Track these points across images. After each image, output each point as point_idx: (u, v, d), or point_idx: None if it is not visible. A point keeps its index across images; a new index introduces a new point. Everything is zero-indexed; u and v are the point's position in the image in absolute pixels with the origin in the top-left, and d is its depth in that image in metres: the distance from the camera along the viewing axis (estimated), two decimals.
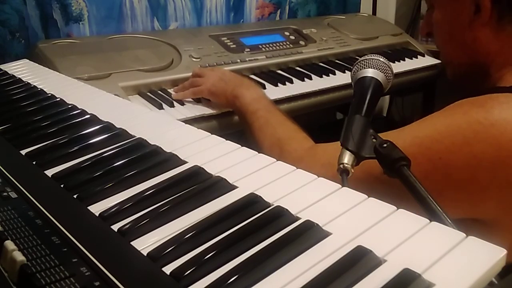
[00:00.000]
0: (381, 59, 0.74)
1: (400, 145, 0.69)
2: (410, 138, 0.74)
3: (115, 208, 0.45)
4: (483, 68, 0.84)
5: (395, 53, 1.60)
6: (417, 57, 1.59)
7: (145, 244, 0.40)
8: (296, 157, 0.83)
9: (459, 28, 0.84)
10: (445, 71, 0.95)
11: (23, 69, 0.92)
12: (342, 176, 0.60)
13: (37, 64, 0.97)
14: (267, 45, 1.42)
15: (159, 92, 1.14)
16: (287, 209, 0.43)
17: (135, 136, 0.60)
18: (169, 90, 1.15)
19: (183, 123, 0.64)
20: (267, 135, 0.91)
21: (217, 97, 1.06)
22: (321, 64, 1.44)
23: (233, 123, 1.09)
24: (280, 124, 0.92)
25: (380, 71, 0.73)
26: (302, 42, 1.49)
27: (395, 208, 0.42)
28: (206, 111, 1.08)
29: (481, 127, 0.70)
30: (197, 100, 1.11)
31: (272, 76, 1.29)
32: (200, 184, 0.48)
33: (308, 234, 0.39)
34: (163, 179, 0.50)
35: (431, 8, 0.90)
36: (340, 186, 0.46)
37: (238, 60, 1.31)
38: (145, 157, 0.54)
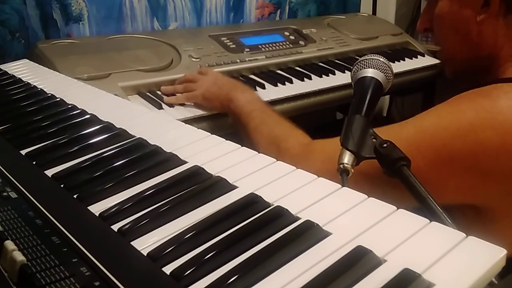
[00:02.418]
0: (381, 59, 0.74)
1: (404, 135, 0.72)
2: (414, 127, 0.75)
3: (115, 208, 0.45)
4: (485, 63, 0.85)
5: (395, 53, 1.60)
6: (417, 57, 1.59)
7: (145, 244, 0.40)
8: (295, 155, 0.83)
9: (464, 22, 0.84)
10: (444, 69, 0.95)
11: (23, 69, 0.92)
12: (342, 176, 0.60)
13: (37, 64, 0.97)
14: (267, 45, 1.42)
15: (159, 92, 1.14)
16: (287, 209, 0.43)
17: (135, 136, 0.60)
18: (157, 92, 1.14)
19: (183, 123, 0.64)
20: (264, 134, 0.90)
21: (211, 102, 1.06)
22: (321, 64, 1.43)
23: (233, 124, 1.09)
24: (276, 123, 0.91)
25: (380, 71, 0.73)
26: (302, 42, 1.49)
27: (395, 208, 0.42)
28: (206, 111, 1.08)
29: (488, 114, 0.70)
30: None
31: (272, 76, 1.29)
32: (200, 184, 0.48)
33: (308, 234, 0.39)
34: (163, 179, 0.50)
35: (432, 1, 0.90)
36: (340, 186, 0.46)
37: (238, 60, 1.31)
38: (145, 157, 0.54)
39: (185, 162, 0.53)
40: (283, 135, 0.88)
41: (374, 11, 1.97)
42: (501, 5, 0.80)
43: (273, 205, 0.44)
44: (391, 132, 0.64)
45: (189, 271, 0.36)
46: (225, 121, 1.09)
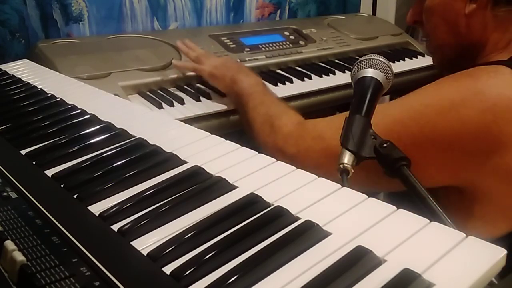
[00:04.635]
0: (381, 59, 0.74)
1: (390, 112, 0.77)
2: (401, 105, 0.78)
3: (115, 208, 0.45)
4: (472, 53, 0.86)
5: (395, 53, 1.60)
6: (417, 57, 1.59)
7: (145, 244, 0.40)
8: (287, 132, 0.86)
9: (453, 13, 0.85)
10: (432, 60, 0.98)
11: (23, 69, 0.92)
12: (342, 176, 0.60)
13: (37, 64, 0.97)
14: (267, 45, 1.42)
15: (159, 91, 1.14)
16: (287, 209, 0.43)
17: (135, 136, 0.60)
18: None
19: (183, 123, 0.64)
20: (260, 113, 0.94)
21: (216, 80, 1.11)
22: (321, 64, 1.43)
23: (233, 123, 1.09)
24: (273, 103, 0.96)
25: (380, 71, 0.73)
26: (302, 42, 1.49)
27: (395, 208, 0.42)
28: (206, 110, 1.08)
29: (468, 92, 0.73)
30: (197, 99, 1.11)
31: (272, 76, 1.29)
32: (200, 184, 0.48)
33: (308, 234, 0.39)
34: (163, 179, 0.50)
35: None
36: (340, 186, 0.46)
37: (238, 60, 1.31)
38: (145, 157, 0.55)
39: (185, 162, 0.53)
40: (277, 114, 0.91)
41: (374, 11, 1.97)
42: None
43: (273, 205, 0.44)
44: (378, 110, 0.67)
45: (189, 271, 0.36)
46: (225, 121, 1.09)
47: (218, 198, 0.46)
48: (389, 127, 0.73)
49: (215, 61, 1.13)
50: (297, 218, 0.42)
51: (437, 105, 0.74)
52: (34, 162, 0.55)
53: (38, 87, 0.80)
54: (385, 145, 0.61)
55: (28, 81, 0.83)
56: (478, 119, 0.71)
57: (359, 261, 0.36)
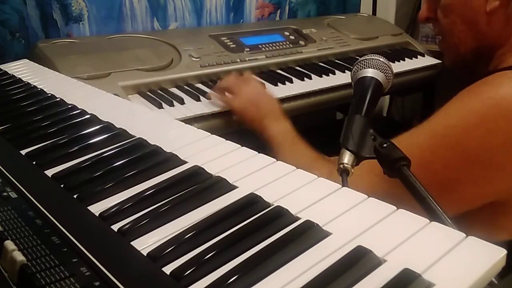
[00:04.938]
0: (381, 59, 0.74)
1: (415, 141, 0.73)
2: (425, 132, 0.75)
3: (115, 208, 0.45)
4: (488, 52, 0.85)
5: (395, 53, 1.60)
6: (417, 57, 1.59)
7: (145, 244, 0.40)
8: None
9: (474, 11, 0.84)
10: (443, 58, 0.95)
11: (23, 69, 0.92)
12: (342, 176, 0.60)
13: (37, 64, 0.97)
14: (267, 45, 1.42)
15: (159, 91, 1.14)
16: (287, 209, 0.43)
17: (135, 136, 0.60)
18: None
19: (183, 123, 0.64)
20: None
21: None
22: (321, 64, 1.43)
23: (233, 123, 1.09)
24: (302, 155, 0.91)
25: (380, 71, 0.73)
26: (302, 42, 1.49)
27: (395, 208, 0.42)
28: (206, 110, 1.08)
29: (493, 102, 0.71)
30: (197, 99, 1.11)
31: (272, 76, 1.29)
32: (200, 184, 0.48)
33: (308, 234, 0.39)
34: (163, 179, 0.50)
35: None
36: (340, 186, 0.46)
37: (238, 60, 1.31)
38: (145, 157, 0.54)
39: (185, 162, 0.53)
40: (304, 166, 0.88)
41: (374, 11, 1.97)
42: None
43: (273, 205, 0.44)
44: (402, 142, 0.64)
45: (189, 271, 0.36)
46: (225, 121, 1.09)
47: (218, 198, 0.46)
48: (417, 157, 0.66)
49: (244, 97, 1.05)
50: (297, 218, 0.42)
51: (463, 122, 0.72)
52: (34, 162, 0.55)
53: (38, 87, 0.80)
54: (385, 145, 0.61)
55: (28, 81, 0.83)
56: (506, 128, 0.69)
57: (359, 261, 0.36)
